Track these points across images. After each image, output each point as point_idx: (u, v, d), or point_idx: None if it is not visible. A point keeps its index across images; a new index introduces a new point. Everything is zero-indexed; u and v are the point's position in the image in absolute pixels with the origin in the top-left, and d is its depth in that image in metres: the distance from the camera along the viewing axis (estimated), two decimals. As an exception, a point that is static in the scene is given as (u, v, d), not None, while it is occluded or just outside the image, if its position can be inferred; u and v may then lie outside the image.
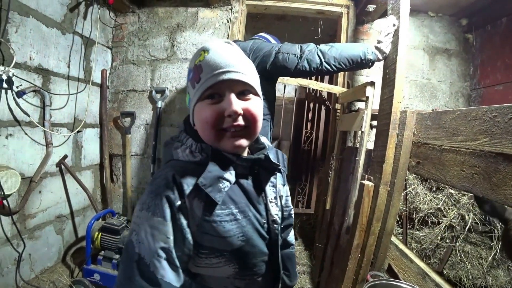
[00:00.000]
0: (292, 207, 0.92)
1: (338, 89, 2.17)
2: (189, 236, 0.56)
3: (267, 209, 0.68)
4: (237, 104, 0.57)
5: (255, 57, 1.53)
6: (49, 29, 1.76)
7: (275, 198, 0.70)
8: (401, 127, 1.41)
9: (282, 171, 0.79)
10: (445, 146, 1.16)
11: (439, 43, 2.32)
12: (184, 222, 0.55)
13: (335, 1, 2.22)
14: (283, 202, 0.81)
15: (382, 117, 1.52)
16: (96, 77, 2.25)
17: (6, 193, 1.51)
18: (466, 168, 1.04)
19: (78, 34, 1.99)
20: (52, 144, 1.85)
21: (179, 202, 0.54)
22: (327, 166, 2.28)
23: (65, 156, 1.97)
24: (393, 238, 1.45)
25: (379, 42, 1.47)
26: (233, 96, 0.58)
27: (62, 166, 1.97)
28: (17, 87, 1.58)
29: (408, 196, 1.80)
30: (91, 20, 2.06)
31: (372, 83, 1.67)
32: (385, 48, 1.45)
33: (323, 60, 1.44)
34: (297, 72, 1.49)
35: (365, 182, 1.53)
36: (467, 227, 1.48)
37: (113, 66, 2.39)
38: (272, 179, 0.71)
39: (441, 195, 1.70)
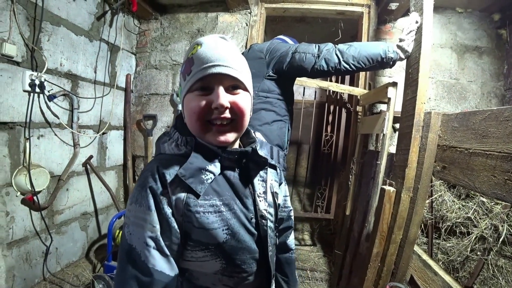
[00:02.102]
0: (291, 208, 0.90)
1: (359, 90, 2.10)
2: (175, 225, 0.57)
3: (255, 204, 0.66)
4: (224, 98, 0.58)
5: (272, 58, 1.51)
6: (78, 37, 1.88)
7: (264, 193, 0.69)
8: (425, 129, 1.33)
9: (277, 168, 0.79)
10: (474, 149, 1.08)
11: (469, 41, 2.17)
12: (168, 211, 0.56)
13: (355, 0, 2.16)
14: (280, 201, 0.79)
15: (405, 119, 1.45)
16: (121, 81, 2.36)
17: (36, 190, 1.61)
18: (498, 173, 0.95)
19: (104, 41, 2.10)
20: (79, 145, 1.96)
21: (161, 192, 0.56)
22: (347, 170, 2.20)
23: (91, 157, 2.08)
24: (416, 248, 1.36)
25: (401, 40, 1.40)
26: (221, 90, 0.58)
27: (88, 166, 2.08)
28: (48, 91, 1.69)
29: (434, 204, 1.68)
30: (116, 28, 2.18)
31: (394, 84, 1.60)
32: (407, 46, 1.38)
33: (341, 59, 1.39)
34: (315, 72, 1.45)
35: (386, 187, 1.46)
36: (501, 239, 1.34)
37: (137, 71, 2.50)
38: (262, 173, 0.69)
39: (471, 203, 1.57)
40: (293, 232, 0.91)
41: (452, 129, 1.22)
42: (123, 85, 2.38)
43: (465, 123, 1.14)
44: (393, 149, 1.65)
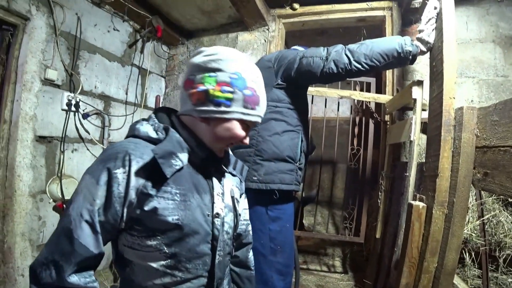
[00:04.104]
0: (249, 222, 0.90)
1: (385, 97, 1.89)
2: (117, 206, 0.57)
3: (212, 202, 0.67)
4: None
5: (280, 66, 1.46)
6: (111, 62, 2.12)
7: (222, 194, 0.71)
8: (458, 129, 1.10)
9: (240, 179, 0.81)
10: (521, 146, 0.83)
11: None
12: (116, 191, 0.57)
13: (375, 4, 2.04)
14: (241, 213, 0.82)
15: (432, 119, 1.23)
16: (151, 102, 2.56)
17: (66, 198, 1.76)
18: (556, 175, 0.71)
19: (135, 66, 2.34)
20: (109, 159, 2.12)
21: (119, 173, 0.57)
22: (377, 186, 1.94)
23: (119, 171, 2.23)
24: (457, 281, 1.07)
25: (420, 31, 1.24)
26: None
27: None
28: (83, 110, 1.91)
29: (487, 226, 1.34)
30: (146, 54, 2.41)
31: (419, 82, 1.40)
32: (427, 36, 1.21)
33: (352, 59, 1.26)
34: (324, 76, 1.34)
35: (415, 202, 1.21)
36: None
37: (166, 92, 2.70)
38: (220, 176, 0.73)
39: (540, 226, 1.21)
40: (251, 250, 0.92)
41: (492, 124, 0.98)
42: (153, 106, 2.58)
43: (507, 114, 0.91)
44: (426, 159, 1.40)
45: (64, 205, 1.78)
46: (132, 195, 0.57)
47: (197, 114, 0.64)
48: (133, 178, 0.57)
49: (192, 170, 0.66)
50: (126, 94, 2.27)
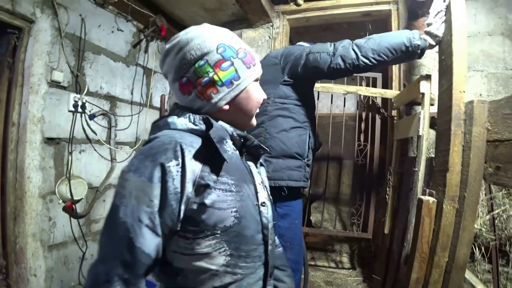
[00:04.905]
0: None
1: (391, 93, 1.88)
2: (173, 204, 0.51)
3: (256, 191, 0.65)
4: None
5: (286, 62, 1.44)
6: (116, 63, 2.12)
7: (262, 182, 0.69)
8: (468, 123, 1.08)
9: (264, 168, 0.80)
10: (534, 139, 0.82)
11: None
12: (172, 186, 0.51)
13: (381, -2, 2.01)
14: None
15: (442, 113, 1.22)
16: (156, 101, 2.57)
17: (75, 199, 1.78)
18: None
19: (140, 66, 2.34)
20: (116, 159, 2.14)
21: (174, 166, 0.51)
22: (385, 182, 1.93)
23: (126, 170, 2.24)
24: (469, 275, 1.06)
25: (428, 25, 1.22)
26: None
27: (124, 179, 2.23)
28: (89, 111, 1.92)
29: (497, 221, 1.33)
30: (149, 53, 2.41)
31: (427, 77, 1.39)
32: (436, 30, 1.19)
33: (359, 54, 1.25)
34: (331, 72, 1.32)
35: (425, 197, 1.21)
36: None
37: (171, 92, 2.70)
38: (258, 165, 0.72)
39: (553, 219, 1.19)
40: None
41: (504, 117, 0.97)
42: (158, 105, 2.58)
43: (518, 107, 0.90)
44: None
45: (74, 206, 1.80)
46: (189, 189, 0.52)
47: (220, 104, 0.62)
48: (188, 169, 0.52)
49: (237, 159, 0.64)
50: (132, 94, 2.28)
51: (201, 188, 0.53)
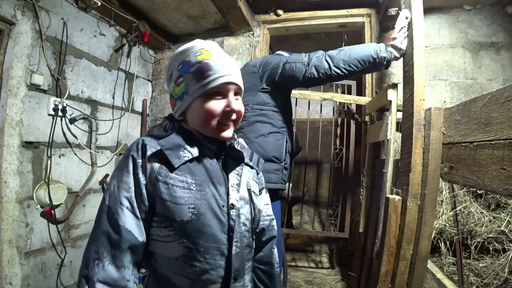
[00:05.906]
0: (273, 216, 0.90)
1: (364, 99, 2.01)
2: (144, 192, 0.62)
3: (228, 193, 0.69)
4: (236, 104, 0.69)
5: (264, 71, 1.53)
6: (97, 67, 2.12)
7: (238, 185, 0.72)
8: (427, 128, 1.21)
9: (257, 170, 0.83)
10: (478, 141, 0.94)
11: (482, 37, 2.00)
12: (141, 178, 0.63)
13: (355, 11, 2.16)
14: (262, 209, 0.84)
15: (406, 119, 1.34)
16: (138, 106, 2.57)
17: (54, 204, 1.75)
18: (507, 165, 0.81)
19: (122, 70, 2.35)
20: (96, 164, 2.12)
21: (140, 160, 0.63)
22: (359, 183, 2.04)
23: (107, 175, 2.22)
24: (430, 265, 1.17)
25: (393, 39, 1.34)
26: (232, 96, 0.69)
27: (105, 184, 2.21)
28: (70, 115, 1.90)
29: (459, 217, 1.46)
30: (132, 58, 2.43)
31: (394, 86, 1.52)
32: (400, 43, 1.32)
33: (331, 64, 1.36)
34: (306, 80, 1.42)
35: (391, 196, 1.31)
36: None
37: (153, 96, 2.71)
38: (238, 168, 0.74)
39: (503, 214, 1.33)
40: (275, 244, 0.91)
41: (455, 123, 1.09)
42: (140, 110, 2.58)
43: (466, 113, 1.02)
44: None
45: (52, 211, 1.77)
46: (150, 182, 0.62)
47: (176, 116, 0.72)
48: (148, 165, 0.63)
49: (208, 162, 0.69)
50: (113, 98, 2.28)
51: (159, 183, 0.62)
